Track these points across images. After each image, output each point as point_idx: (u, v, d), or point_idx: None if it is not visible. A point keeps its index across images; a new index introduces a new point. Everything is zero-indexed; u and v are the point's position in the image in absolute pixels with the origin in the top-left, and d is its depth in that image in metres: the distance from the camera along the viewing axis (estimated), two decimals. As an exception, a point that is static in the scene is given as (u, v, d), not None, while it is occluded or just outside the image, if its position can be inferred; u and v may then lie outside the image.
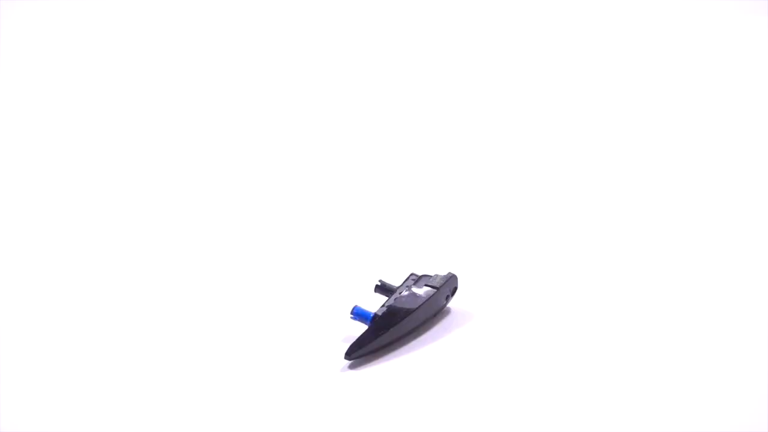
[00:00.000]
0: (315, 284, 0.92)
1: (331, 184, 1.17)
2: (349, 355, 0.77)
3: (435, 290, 0.82)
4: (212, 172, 1.22)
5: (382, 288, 0.84)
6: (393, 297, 0.82)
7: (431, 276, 0.84)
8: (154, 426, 0.73)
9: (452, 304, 0.86)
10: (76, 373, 0.80)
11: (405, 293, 0.82)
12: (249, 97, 1.43)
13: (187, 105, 1.42)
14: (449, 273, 0.85)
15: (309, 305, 0.88)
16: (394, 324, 0.79)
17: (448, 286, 0.84)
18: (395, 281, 0.86)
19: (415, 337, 0.82)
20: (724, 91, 1.36)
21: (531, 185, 1.14)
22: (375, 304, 0.83)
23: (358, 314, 0.80)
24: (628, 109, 1.34)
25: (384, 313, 0.80)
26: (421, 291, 0.82)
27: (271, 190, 1.16)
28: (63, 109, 1.42)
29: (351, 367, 0.78)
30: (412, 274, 0.85)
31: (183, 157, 1.26)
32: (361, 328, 0.80)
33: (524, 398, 0.74)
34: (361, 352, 0.78)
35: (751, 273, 0.93)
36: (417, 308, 0.81)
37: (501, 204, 1.10)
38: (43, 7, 1.61)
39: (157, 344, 0.84)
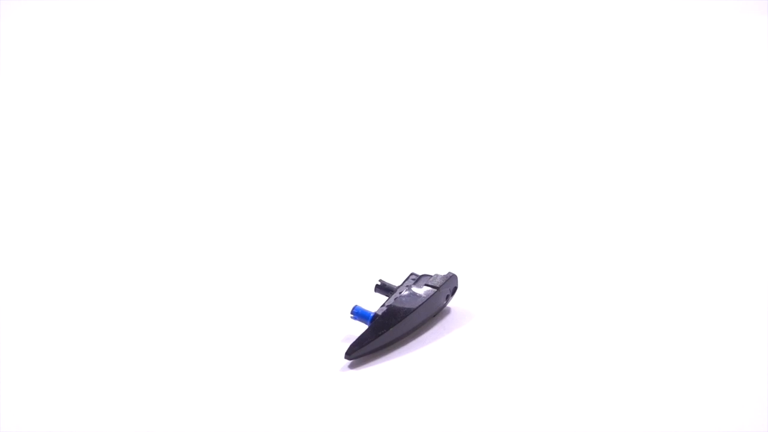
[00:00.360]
0: (315, 284, 0.92)
1: (331, 183, 1.17)
2: (349, 354, 0.77)
3: (435, 290, 0.82)
4: (212, 172, 1.22)
5: (382, 288, 0.84)
6: (393, 297, 0.82)
7: (431, 276, 0.84)
8: (154, 426, 0.73)
9: (452, 303, 0.86)
10: (72, 375, 0.80)
11: (405, 293, 0.82)
12: (248, 97, 1.43)
13: (186, 105, 1.42)
14: (449, 273, 0.85)
15: (309, 305, 0.88)
16: (394, 324, 0.79)
17: (448, 285, 0.84)
18: (395, 281, 0.86)
19: (415, 337, 0.82)
20: (723, 91, 1.36)
21: (531, 185, 1.14)
22: (375, 303, 0.83)
23: (358, 314, 0.80)
24: (627, 109, 1.34)
25: (384, 313, 0.80)
26: (421, 291, 0.82)
27: (271, 190, 1.16)
28: (51, 108, 1.41)
29: (351, 366, 0.78)
30: (412, 274, 0.85)
31: (182, 157, 1.26)
32: (361, 327, 0.80)
33: (524, 398, 0.73)
34: (361, 352, 0.78)
35: (751, 273, 0.93)
36: (417, 308, 0.81)
37: (501, 204, 1.10)
38: (40, 7, 1.61)
39: (157, 344, 0.84)
